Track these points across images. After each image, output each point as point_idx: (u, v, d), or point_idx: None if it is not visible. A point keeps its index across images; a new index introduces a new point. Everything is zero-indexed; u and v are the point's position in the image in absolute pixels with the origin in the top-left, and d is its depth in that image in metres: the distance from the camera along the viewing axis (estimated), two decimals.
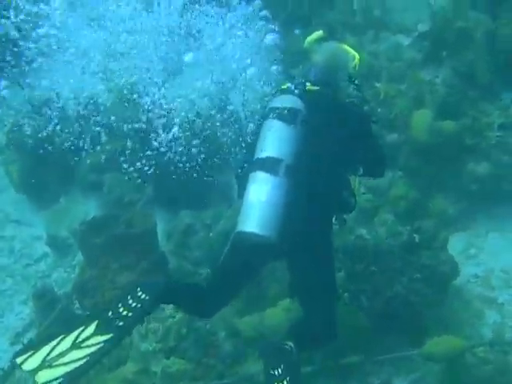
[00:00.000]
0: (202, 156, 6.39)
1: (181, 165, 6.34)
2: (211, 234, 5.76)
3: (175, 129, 6.47)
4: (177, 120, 5.85)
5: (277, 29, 4.34)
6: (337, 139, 3.65)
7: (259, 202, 3.44)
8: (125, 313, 3.32)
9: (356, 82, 3.96)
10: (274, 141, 3.56)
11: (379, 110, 5.73)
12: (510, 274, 5.54)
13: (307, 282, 3.74)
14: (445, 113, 5.72)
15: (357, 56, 3.98)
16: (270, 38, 4.22)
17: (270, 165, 3.49)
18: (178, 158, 6.38)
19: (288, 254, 3.69)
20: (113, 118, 5.64)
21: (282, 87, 3.91)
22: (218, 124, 6.89)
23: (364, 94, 4.13)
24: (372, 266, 4.99)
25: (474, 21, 6.08)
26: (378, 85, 5.91)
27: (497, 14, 6.21)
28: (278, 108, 3.65)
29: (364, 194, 5.88)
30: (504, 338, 4.80)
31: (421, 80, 5.83)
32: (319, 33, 4.10)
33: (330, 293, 3.81)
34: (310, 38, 4.12)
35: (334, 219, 3.83)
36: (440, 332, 5.08)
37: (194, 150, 6.36)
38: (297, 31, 6.06)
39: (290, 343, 3.59)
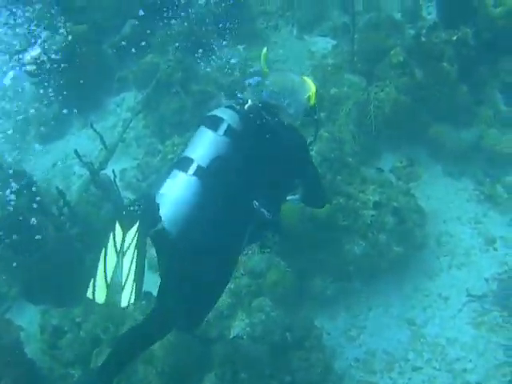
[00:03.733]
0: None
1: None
2: (81, 333, 5.45)
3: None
4: None
5: None
6: (263, 155, 3.71)
7: (165, 195, 3.53)
8: None
9: (315, 117, 4.11)
10: (193, 143, 3.73)
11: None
12: (391, 354, 5.39)
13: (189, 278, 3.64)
14: None
15: (313, 89, 4.04)
16: None
17: (182, 163, 3.64)
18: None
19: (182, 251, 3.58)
20: None
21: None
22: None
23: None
24: (241, 373, 4.83)
25: (348, 84, 5.77)
26: None
27: (373, 73, 5.93)
28: (207, 116, 3.83)
29: (243, 275, 5.69)
30: None
31: None
32: (264, 50, 4.25)
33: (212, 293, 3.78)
34: (262, 60, 4.22)
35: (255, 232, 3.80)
36: None
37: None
38: None
39: None
